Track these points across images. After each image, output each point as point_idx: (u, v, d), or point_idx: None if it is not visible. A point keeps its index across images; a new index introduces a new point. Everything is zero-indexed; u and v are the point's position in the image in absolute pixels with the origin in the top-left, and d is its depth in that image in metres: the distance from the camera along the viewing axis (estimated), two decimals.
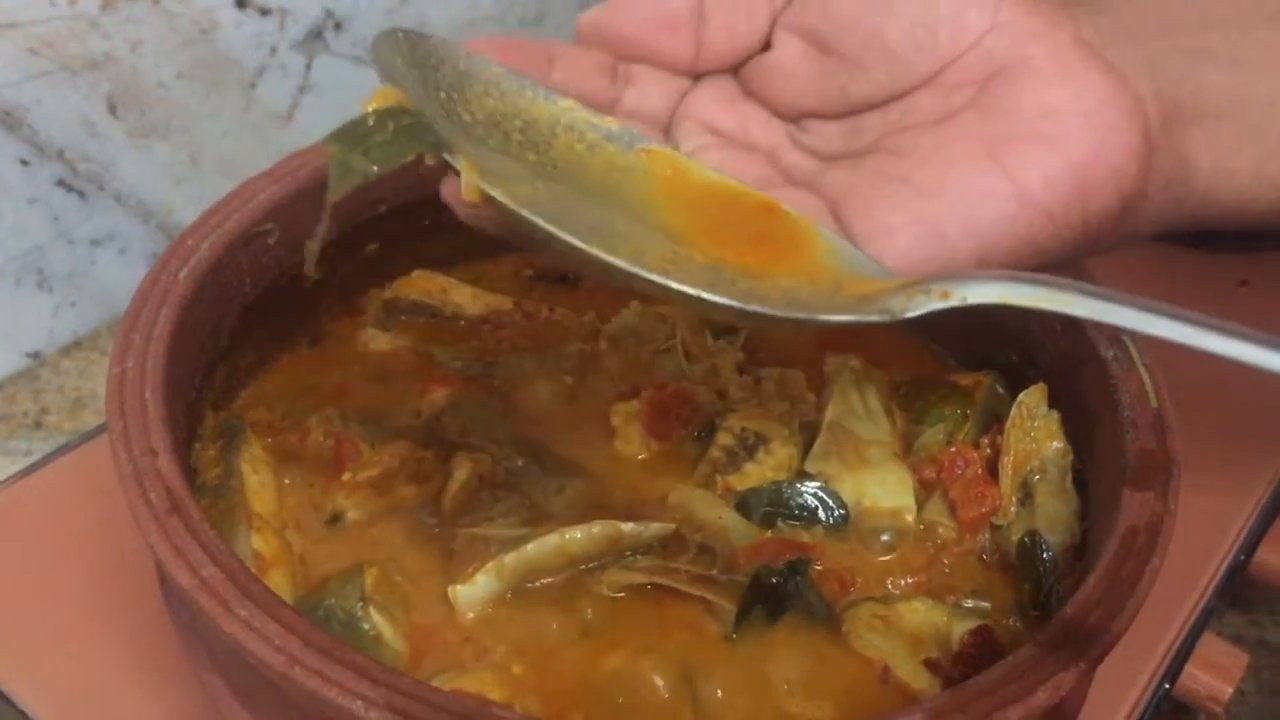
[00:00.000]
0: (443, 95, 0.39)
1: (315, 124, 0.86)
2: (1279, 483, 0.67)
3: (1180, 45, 0.39)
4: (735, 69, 0.43)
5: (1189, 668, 0.60)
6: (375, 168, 0.35)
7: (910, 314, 0.34)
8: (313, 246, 0.37)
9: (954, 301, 0.33)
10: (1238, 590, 0.69)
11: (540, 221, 0.34)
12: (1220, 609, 0.68)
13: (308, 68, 0.85)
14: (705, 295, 0.34)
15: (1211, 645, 0.61)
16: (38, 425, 0.74)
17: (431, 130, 0.35)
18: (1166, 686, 0.59)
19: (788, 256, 0.38)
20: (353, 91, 0.88)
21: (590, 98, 0.40)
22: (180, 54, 0.77)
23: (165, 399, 0.43)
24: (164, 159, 0.79)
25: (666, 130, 0.42)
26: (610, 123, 0.41)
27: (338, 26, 0.86)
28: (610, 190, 0.39)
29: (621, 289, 0.40)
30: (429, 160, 0.35)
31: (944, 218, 0.37)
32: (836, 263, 0.38)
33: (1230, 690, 0.60)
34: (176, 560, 0.38)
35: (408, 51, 0.39)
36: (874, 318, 0.34)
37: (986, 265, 0.37)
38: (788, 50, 0.41)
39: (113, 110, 0.75)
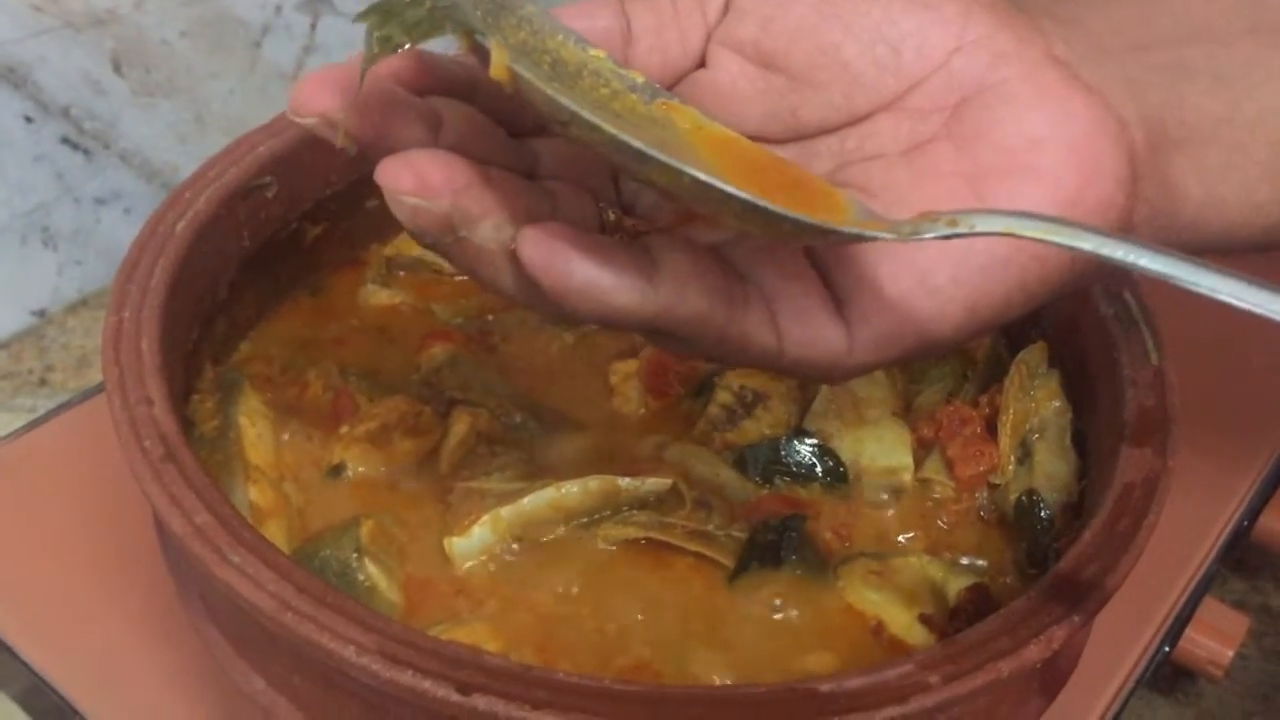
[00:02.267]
0: (479, 13, 0.38)
1: None
2: None
3: (1158, 60, 0.37)
4: (671, 89, 0.39)
5: (1189, 631, 0.60)
6: (406, 42, 0.34)
7: (917, 237, 0.32)
8: (344, 119, 0.35)
9: (961, 229, 0.32)
10: (1240, 555, 0.69)
11: (566, 101, 0.32)
12: (1223, 574, 0.68)
13: (312, 27, 0.85)
14: (733, 190, 0.32)
15: (1213, 609, 0.61)
16: (43, 382, 0.74)
17: (465, 13, 0.34)
18: (1166, 649, 0.59)
19: (821, 201, 0.37)
20: (358, 51, 0.88)
21: (514, 123, 0.37)
22: (184, 12, 0.77)
23: (161, 349, 0.43)
24: (168, 118, 0.79)
25: None
26: (635, 75, 0.40)
27: None
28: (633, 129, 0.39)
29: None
30: (460, 42, 0.34)
31: (932, 267, 0.34)
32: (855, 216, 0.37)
33: (1230, 654, 0.60)
34: (171, 507, 0.38)
35: None
36: (884, 234, 0.33)
37: (978, 315, 0.35)
38: (725, 69, 0.37)
39: (117, 68, 0.75)
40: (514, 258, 0.32)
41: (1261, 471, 0.65)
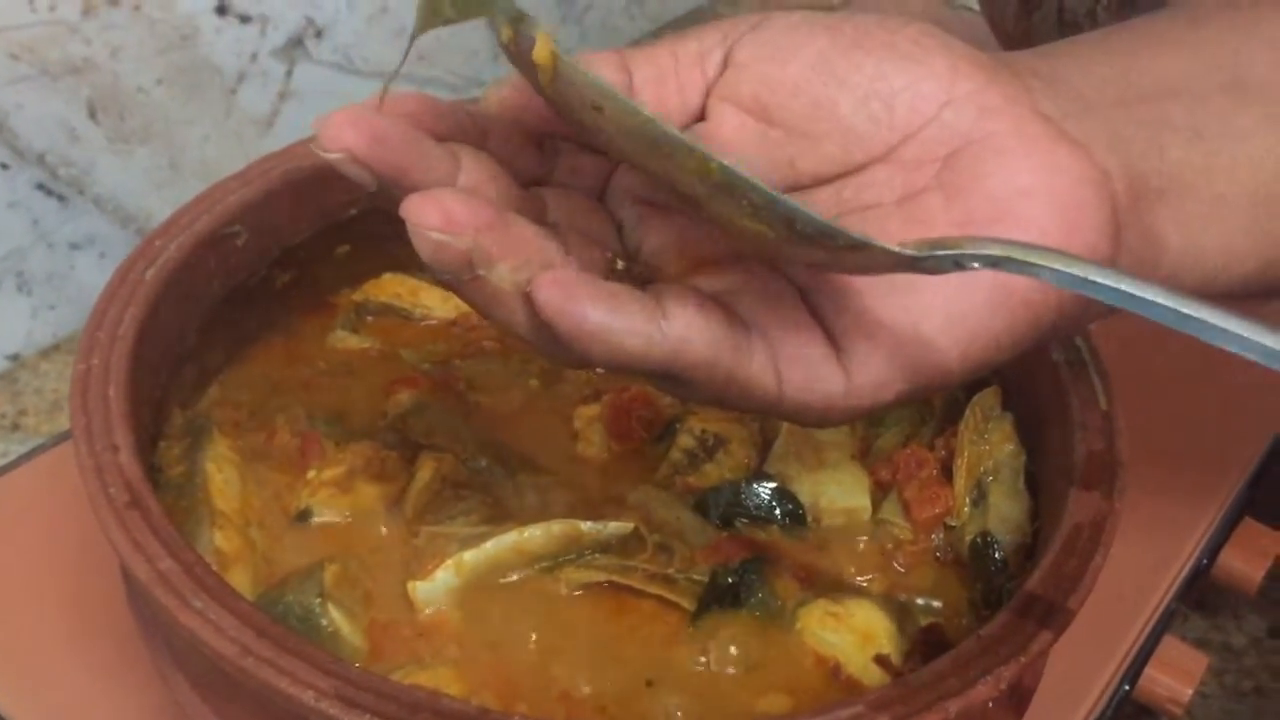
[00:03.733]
0: None
1: (295, 131, 0.87)
2: (1242, 487, 0.68)
3: (1139, 116, 0.38)
4: None
5: (1149, 669, 0.61)
6: (457, 17, 0.34)
7: (934, 262, 0.33)
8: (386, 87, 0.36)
9: (910, 251, 0.33)
10: (1201, 594, 0.69)
11: (606, 84, 0.33)
12: (1183, 612, 0.69)
13: (288, 74, 0.86)
14: (756, 182, 0.32)
15: (1172, 647, 0.62)
16: (15, 427, 0.75)
17: (512, 4, 0.34)
18: (1127, 688, 0.59)
19: None
20: (333, 99, 0.89)
21: (522, 172, 0.38)
22: (160, 60, 0.78)
23: (129, 396, 0.43)
24: (144, 164, 0.80)
25: (601, 198, 0.40)
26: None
27: (318, 34, 0.86)
28: None
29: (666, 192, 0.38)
30: (500, 32, 0.34)
31: (923, 315, 0.35)
32: None
33: (1190, 692, 0.61)
34: (135, 554, 0.38)
35: None
36: (906, 251, 0.33)
37: (969, 360, 0.36)
38: (725, 122, 0.39)
39: (93, 115, 0.76)
40: (528, 300, 0.33)
41: (1221, 509, 0.66)
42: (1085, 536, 0.42)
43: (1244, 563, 0.65)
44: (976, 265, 0.33)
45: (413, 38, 0.35)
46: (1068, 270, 0.32)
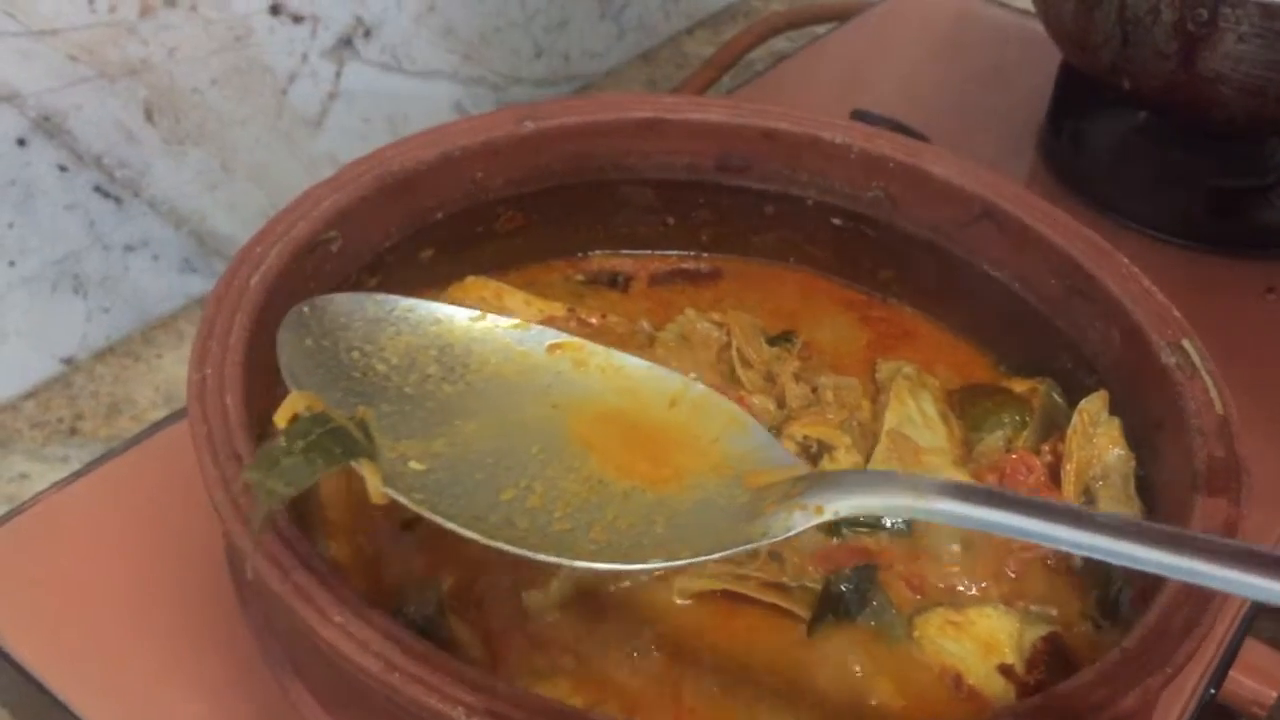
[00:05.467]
0: (356, 355, 0.43)
1: (344, 131, 0.87)
2: None
3: None
4: None
5: (1233, 673, 0.60)
6: (291, 489, 0.37)
7: (788, 534, 0.38)
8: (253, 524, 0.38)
9: (827, 516, 0.38)
10: None
11: (439, 519, 0.37)
12: (1258, 614, 0.69)
13: (337, 75, 0.85)
14: (620, 567, 0.39)
15: (1254, 650, 0.61)
16: (73, 432, 0.74)
17: (340, 435, 0.38)
18: (1212, 692, 0.59)
19: (692, 457, 0.42)
20: (381, 99, 0.89)
21: None
22: (215, 60, 0.77)
23: (245, 405, 0.43)
24: (197, 165, 0.79)
25: None
26: (521, 326, 0.45)
27: (367, 34, 0.86)
28: (529, 402, 0.43)
29: None
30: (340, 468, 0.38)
31: None
32: (738, 447, 0.42)
33: (1274, 694, 0.61)
34: (269, 566, 0.38)
35: (316, 325, 0.42)
36: (755, 543, 0.38)
37: None
38: None
39: (149, 117, 0.75)
40: None
41: None
42: None
43: None
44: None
45: (256, 532, 0.37)
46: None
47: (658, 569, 0.40)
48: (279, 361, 0.40)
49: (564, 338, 0.45)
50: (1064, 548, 0.34)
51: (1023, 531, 0.35)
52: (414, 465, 0.39)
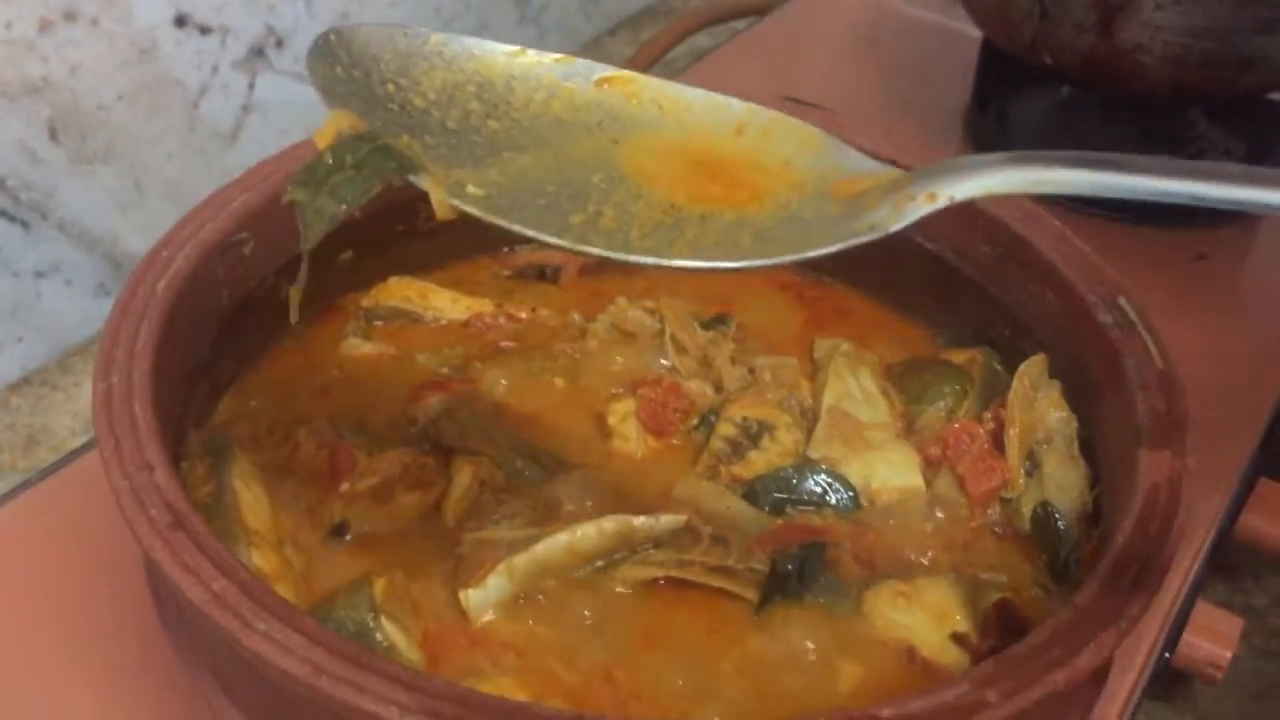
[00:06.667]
0: (391, 88, 0.39)
1: (261, 144, 0.84)
2: (1255, 449, 0.67)
3: None
4: None
5: (1186, 635, 0.60)
6: (344, 206, 0.34)
7: (903, 224, 0.34)
8: (295, 293, 0.36)
9: (941, 203, 0.33)
10: (1222, 557, 0.69)
11: (518, 227, 0.34)
12: (1206, 578, 0.69)
13: (250, 86, 0.83)
14: (722, 264, 0.34)
15: (1206, 612, 0.61)
16: None
17: (391, 151, 0.35)
18: (1166, 655, 0.59)
19: (769, 179, 0.38)
20: (297, 109, 0.86)
21: None
22: (120, 76, 0.75)
23: (155, 413, 0.41)
24: (107, 185, 0.77)
25: None
26: (565, 61, 0.41)
27: (279, 43, 0.84)
28: (582, 138, 0.39)
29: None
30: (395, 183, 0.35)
31: None
32: (822, 162, 0.38)
33: (1229, 655, 0.60)
34: (186, 576, 0.36)
35: (344, 54, 0.38)
36: (865, 237, 0.34)
37: None
38: None
39: (54, 136, 0.73)
40: None
41: (1239, 470, 0.65)
42: (1164, 497, 0.41)
43: (1266, 522, 0.65)
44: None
45: (304, 251, 0.35)
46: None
47: (760, 265, 0.35)
48: (312, 85, 0.37)
49: (612, 71, 0.40)
50: (1185, 201, 0.32)
51: (1151, 190, 0.32)
52: (472, 190, 0.36)
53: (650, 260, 0.34)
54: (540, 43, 1.06)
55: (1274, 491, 0.67)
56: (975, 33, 0.87)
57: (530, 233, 0.34)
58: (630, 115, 0.40)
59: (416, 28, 0.40)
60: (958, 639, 0.43)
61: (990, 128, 0.89)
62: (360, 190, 0.34)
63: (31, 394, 0.75)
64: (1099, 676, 0.42)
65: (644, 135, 0.40)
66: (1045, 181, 0.33)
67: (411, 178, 0.35)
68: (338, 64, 0.38)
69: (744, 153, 0.39)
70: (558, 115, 0.40)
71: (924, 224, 0.55)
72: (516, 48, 0.40)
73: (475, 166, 0.37)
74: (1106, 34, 0.76)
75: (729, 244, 0.35)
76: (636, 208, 0.37)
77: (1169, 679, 0.64)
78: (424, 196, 0.55)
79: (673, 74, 0.99)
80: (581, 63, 0.40)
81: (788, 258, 0.34)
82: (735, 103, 0.41)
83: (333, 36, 0.38)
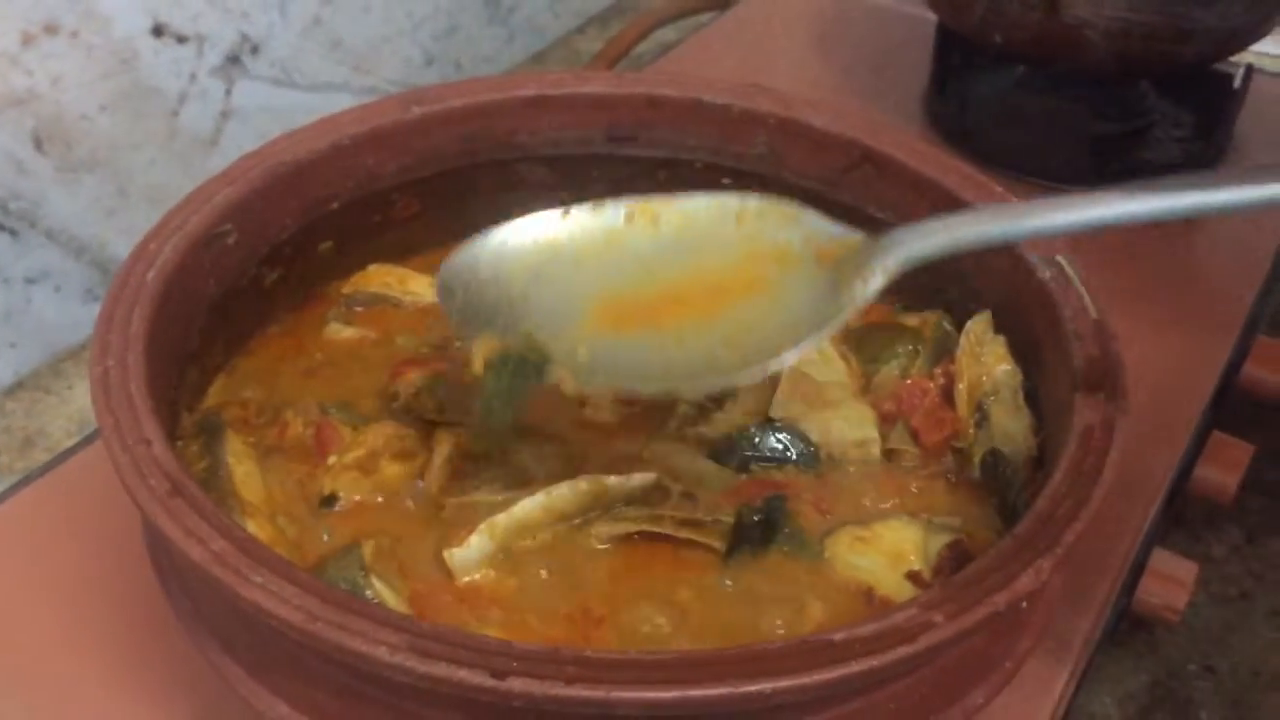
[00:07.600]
0: (494, 291, 0.47)
1: (240, 149, 0.85)
2: (1207, 404, 0.70)
3: None
4: None
5: (1144, 581, 0.63)
6: (511, 415, 0.46)
7: (867, 300, 0.44)
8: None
9: (894, 274, 0.44)
10: (1178, 509, 0.72)
11: (642, 388, 0.46)
12: (1164, 528, 0.71)
13: (228, 92, 0.86)
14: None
15: (1163, 559, 0.64)
16: None
17: (526, 362, 0.45)
18: (1126, 601, 0.62)
19: (770, 264, 0.47)
20: (275, 114, 0.89)
21: None
22: (102, 86, 0.77)
23: (151, 393, 0.43)
24: (93, 192, 0.79)
25: None
26: (595, 208, 0.48)
27: (254, 50, 0.86)
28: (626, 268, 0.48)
29: None
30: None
31: None
32: (797, 236, 0.46)
33: (1186, 598, 0.63)
34: (187, 539, 0.38)
35: (457, 283, 0.48)
36: (845, 315, 0.44)
37: None
38: None
39: (39, 146, 0.75)
40: None
41: (1192, 423, 0.68)
42: (1098, 435, 0.44)
43: (1219, 474, 0.68)
44: None
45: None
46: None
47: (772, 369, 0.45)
48: (449, 326, 0.48)
49: (637, 201, 0.48)
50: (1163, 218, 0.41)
51: (1123, 217, 0.41)
52: (582, 354, 0.45)
53: (730, 382, 0.48)
54: (510, 43, 1.08)
55: (1226, 444, 0.70)
56: (934, 17, 0.90)
57: (650, 390, 0.47)
58: (651, 239, 0.48)
59: (482, 235, 0.48)
60: (913, 578, 0.46)
61: (949, 110, 0.92)
62: (514, 402, 0.45)
63: (26, 398, 0.78)
64: (1043, 605, 0.45)
65: (670, 264, 0.48)
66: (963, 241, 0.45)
67: (547, 378, 0.45)
68: (455, 295, 0.47)
69: (747, 238, 0.47)
70: (608, 258, 0.48)
71: (873, 195, 0.58)
72: (561, 210, 0.48)
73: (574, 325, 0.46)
74: (1052, 10, 0.79)
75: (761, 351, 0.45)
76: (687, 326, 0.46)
77: (1129, 626, 0.67)
78: (399, 187, 0.59)
79: (638, 68, 1.02)
80: (610, 205, 0.48)
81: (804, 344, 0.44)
82: (729, 196, 0.48)
83: (444, 275, 0.47)
